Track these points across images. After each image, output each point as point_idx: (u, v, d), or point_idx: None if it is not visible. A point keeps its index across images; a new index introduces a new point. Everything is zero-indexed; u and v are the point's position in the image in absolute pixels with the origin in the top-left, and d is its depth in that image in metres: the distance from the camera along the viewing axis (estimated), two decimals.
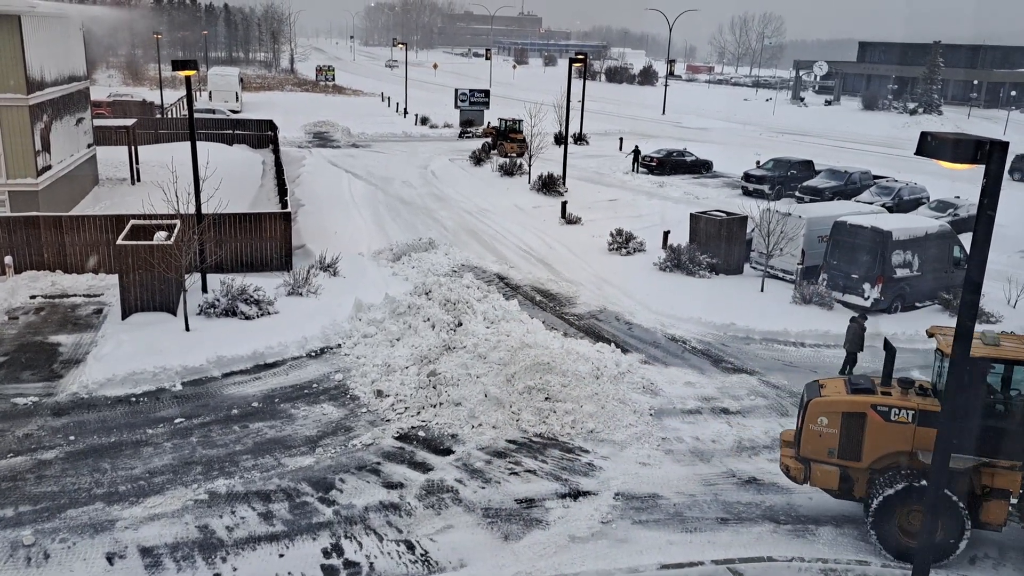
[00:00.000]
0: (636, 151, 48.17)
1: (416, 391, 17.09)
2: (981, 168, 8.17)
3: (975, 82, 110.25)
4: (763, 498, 14.18)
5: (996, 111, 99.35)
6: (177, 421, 15.96)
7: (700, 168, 48.52)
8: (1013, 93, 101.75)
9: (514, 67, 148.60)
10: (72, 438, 15.09)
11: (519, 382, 16.77)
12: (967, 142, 8.00)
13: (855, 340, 19.38)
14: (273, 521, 12.88)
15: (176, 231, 20.91)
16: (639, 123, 74.61)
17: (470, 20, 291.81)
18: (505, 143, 49.28)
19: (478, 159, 47.10)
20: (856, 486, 13.10)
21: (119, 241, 20.54)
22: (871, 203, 33.57)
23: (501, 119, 52.75)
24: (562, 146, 42.46)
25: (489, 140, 51.70)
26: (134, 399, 16.80)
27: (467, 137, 58.43)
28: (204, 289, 21.96)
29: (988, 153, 8.01)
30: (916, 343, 21.77)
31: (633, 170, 47.15)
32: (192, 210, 21.36)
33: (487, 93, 66.57)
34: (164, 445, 15.00)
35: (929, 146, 8.23)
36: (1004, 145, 8.04)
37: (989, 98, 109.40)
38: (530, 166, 42.28)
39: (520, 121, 50.17)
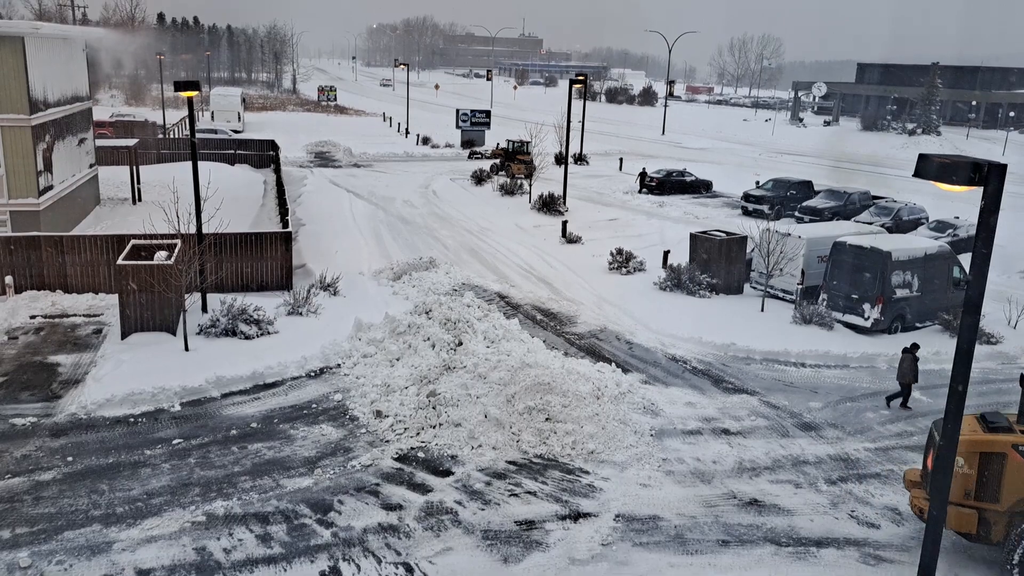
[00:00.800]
0: (643, 173, 48.19)
1: (416, 411, 17.04)
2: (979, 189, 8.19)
3: (973, 103, 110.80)
4: (764, 520, 14.10)
5: (995, 131, 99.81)
6: (175, 442, 15.90)
7: (700, 188, 48.65)
8: (1012, 114, 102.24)
9: (515, 88, 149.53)
10: (70, 459, 15.03)
11: (519, 402, 16.72)
12: (964, 164, 8.01)
13: (909, 371, 18.69)
14: (271, 543, 12.80)
15: (176, 251, 20.94)
16: (639, 143, 74.94)
17: (471, 41, 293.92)
18: (512, 164, 49.06)
19: (479, 179, 47.24)
20: (994, 530, 12.48)
21: (119, 261, 20.58)
22: (870, 223, 33.63)
23: (509, 140, 52.73)
24: (563, 166, 42.62)
25: (498, 161, 51.72)
26: (133, 420, 16.75)
27: (476, 158, 58.25)
28: (204, 309, 21.97)
29: (986, 175, 8.02)
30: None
31: (640, 191, 47.18)
32: (193, 230, 21.41)
33: (488, 113, 66.93)
34: (162, 466, 14.94)
35: (927, 168, 8.24)
36: (1002, 167, 8.06)
37: (988, 118, 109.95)
38: (531, 186, 42.46)
39: (528, 143, 50.35)
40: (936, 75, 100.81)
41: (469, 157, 58.95)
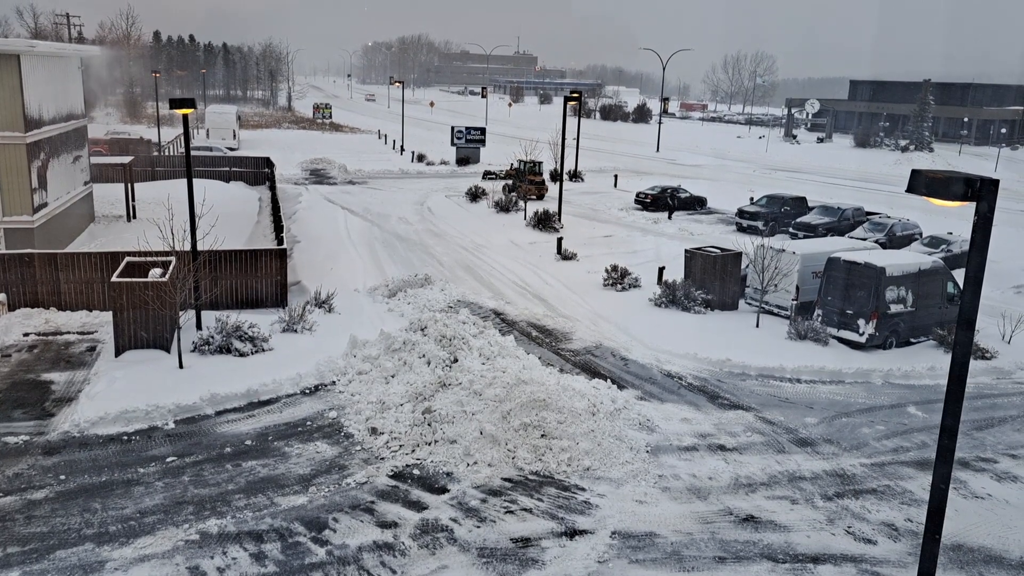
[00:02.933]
0: (671, 196, 46.97)
1: (411, 428, 16.98)
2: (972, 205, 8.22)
3: (965, 119, 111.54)
4: (761, 536, 14.05)
5: (986, 148, 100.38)
6: (169, 460, 15.81)
7: (694, 204, 48.77)
8: (1003, 130, 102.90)
9: (510, 105, 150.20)
10: (63, 477, 14.93)
11: (515, 419, 16.67)
12: (957, 179, 8.05)
13: None
14: (265, 562, 12.70)
15: (171, 268, 20.91)
16: (634, 160, 75.19)
17: (466, 59, 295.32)
18: (522, 184, 47.69)
19: (474, 196, 47.29)
20: None
21: (114, 278, 20.54)
22: (864, 239, 33.75)
23: (521, 160, 51.84)
24: (558, 183, 42.71)
25: (510, 181, 51.21)
26: (126, 437, 16.66)
27: (491, 178, 56.10)
28: (199, 326, 21.91)
29: (978, 190, 8.06)
30: (911, 379, 21.80)
31: (669, 218, 45.37)
32: (188, 247, 21.40)
33: (483, 131, 67.10)
34: (155, 484, 14.85)
35: (920, 183, 8.28)
36: (994, 183, 8.10)
37: (979, 135, 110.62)
38: (526, 203, 42.55)
39: (540, 163, 49.84)
40: (927, 92, 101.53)
41: (484, 177, 56.63)
